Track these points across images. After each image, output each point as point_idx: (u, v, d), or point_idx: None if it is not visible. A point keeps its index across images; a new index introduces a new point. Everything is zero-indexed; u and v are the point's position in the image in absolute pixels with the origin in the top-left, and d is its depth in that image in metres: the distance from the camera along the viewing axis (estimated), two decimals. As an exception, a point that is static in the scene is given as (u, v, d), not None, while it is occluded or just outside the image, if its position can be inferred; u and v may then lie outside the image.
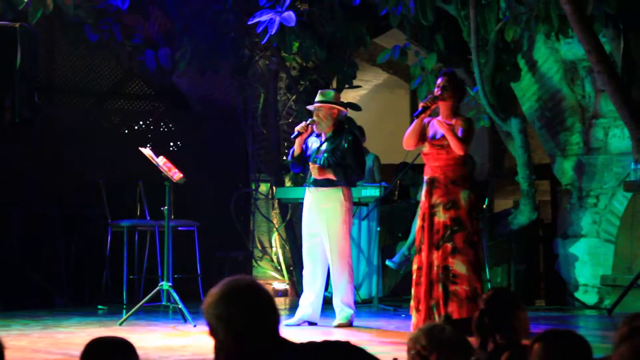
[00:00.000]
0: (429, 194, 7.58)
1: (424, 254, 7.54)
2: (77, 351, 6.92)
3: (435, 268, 7.47)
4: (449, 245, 7.45)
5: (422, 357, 3.51)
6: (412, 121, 7.69)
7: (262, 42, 10.27)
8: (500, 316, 4.16)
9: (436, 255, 7.47)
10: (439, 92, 7.58)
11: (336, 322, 8.28)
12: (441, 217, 7.51)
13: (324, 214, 8.27)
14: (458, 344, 3.56)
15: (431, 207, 7.56)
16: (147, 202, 10.30)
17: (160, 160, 8.25)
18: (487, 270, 9.72)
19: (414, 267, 7.63)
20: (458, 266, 7.42)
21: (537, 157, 10.96)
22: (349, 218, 8.38)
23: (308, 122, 8.33)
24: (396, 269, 9.82)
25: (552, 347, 3.41)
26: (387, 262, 9.77)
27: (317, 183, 8.31)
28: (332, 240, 8.25)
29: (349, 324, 8.27)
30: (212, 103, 11.83)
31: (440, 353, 3.49)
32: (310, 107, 8.47)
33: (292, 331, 8.11)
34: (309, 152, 8.41)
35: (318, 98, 8.41)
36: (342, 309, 8.30)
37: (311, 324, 8.35)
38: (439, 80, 7.66)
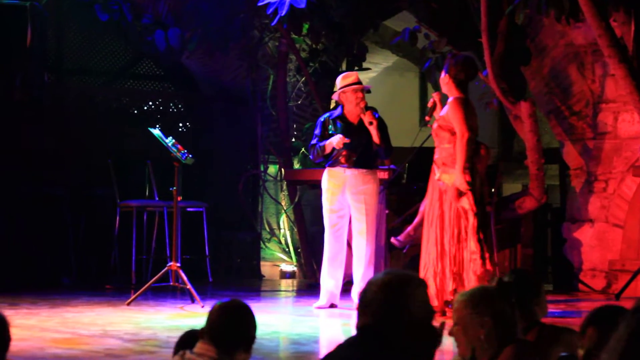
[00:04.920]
0: (434, 171, 7.73)
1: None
2: (85, 330, 7.01)
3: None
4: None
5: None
6: (421, 106, 7.82)
7: (272, 24, 10.26)
8: (521, 299, 4.18)
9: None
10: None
11: None
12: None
13: (361, 195, 8.26)
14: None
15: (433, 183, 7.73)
16: (155, 183, 10.32)
17: (169, 141, 8.26)
18: (494, 253, 9.71)
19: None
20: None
21: (546, 141, 10.95)
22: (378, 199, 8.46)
23: (371, 118, 8.25)
24: (400, 248, 9.82)
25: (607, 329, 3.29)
26: (391, 240, 9.78)
27: (360, 165, 8.28)
28: (369, 222, 8.28)
29: None
30: (221, 84, 11.82)
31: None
32: (353, 88, 8.25)
33: (315, 313, 8.15)
34: (336, 132, 8.35)
35: (355, 80, 8.33)
36: None
37: (332, 305, 8.35)
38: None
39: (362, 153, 8.27)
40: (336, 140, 8.17)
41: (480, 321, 3.51)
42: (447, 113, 7.61)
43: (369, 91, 8.49)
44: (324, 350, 6.22)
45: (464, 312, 3.56)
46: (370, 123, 8.15)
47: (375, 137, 8.17)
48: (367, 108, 8.24)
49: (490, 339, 3.52)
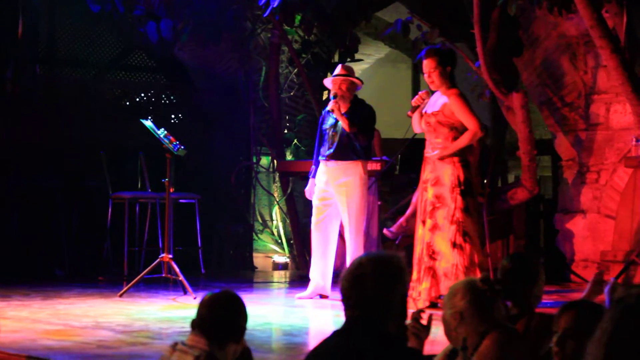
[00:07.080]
0: (424, 169, 7.66)
1: (418, 228, 7.64)
2: (77, 322, 7.00)
3: (420, 244, 7.56)
4: (430, 222, 7.51)
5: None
6: (414, 97, 7.81)
7: (264, 15, 10.24)
8: (517, 286, 4.20)
9: (421, 232, 7.57)
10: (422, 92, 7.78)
11: None
12: (428, 193, 7.58)
13: (342, 187, 8.27)
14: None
15: (423, 183, 7.65)
16: (148, 174, 10.31)
17: (162, 133, 8.25)
18: (487, 245, 9.72)
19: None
20: (437, 243, 7.47)
21: (539, 133, 10.95)
22: (366, 192, 8.41)
23: (335, 98, 8.25)
24: (392, 239, 9.83)
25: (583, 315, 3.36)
26: (384, 231, 9.79)
27: (336, 157, 8.28)
28: (351, 215, 8.26)
29: None
30: (213, 76, 11.80)
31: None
32: (329, 81, 8.39)
33: (307, 304, 8.15)
34: (324, 127, 8.40)
35: (341, 71, 8.34)
36: None
37: (322, 296, 8.35)
38: (424, 69, 7.70)
39: (342, 145, 8.27)
40: (308, 191, 8.55)
41: (460, 310, 3.58)
42: (450, 109, 7.55)
43: (361, 83, 8.48)
44: (315, 341, 6.22)
45: (448, 302, 3.64)
46: (332, 111, 8.20)
47: (344, 124, 8.18)
48: (345, 113, 8.27)
49: (472, 327, 3.56)
